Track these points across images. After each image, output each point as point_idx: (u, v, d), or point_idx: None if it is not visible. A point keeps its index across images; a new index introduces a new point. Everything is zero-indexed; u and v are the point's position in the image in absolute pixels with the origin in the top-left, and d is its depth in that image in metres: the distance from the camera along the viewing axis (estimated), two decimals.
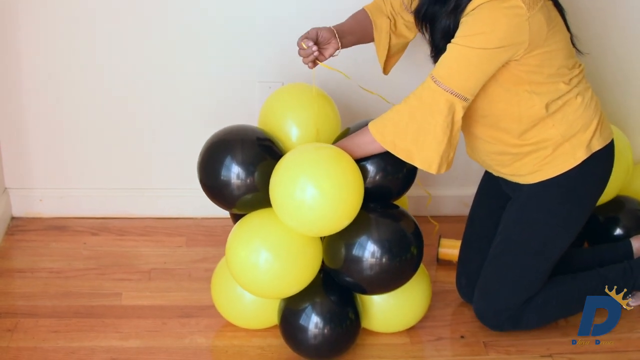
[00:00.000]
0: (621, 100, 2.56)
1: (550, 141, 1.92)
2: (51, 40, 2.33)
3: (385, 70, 2.17)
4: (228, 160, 1.89)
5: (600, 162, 1.98)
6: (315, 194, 1.79)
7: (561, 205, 1.98)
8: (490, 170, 2.10)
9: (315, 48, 1.94)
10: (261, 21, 2.36)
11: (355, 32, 2.09)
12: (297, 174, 1.81)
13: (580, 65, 1.96)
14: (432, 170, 1.84)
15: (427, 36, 1.94)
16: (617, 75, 2.52)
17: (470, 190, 2.23)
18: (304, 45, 1.94)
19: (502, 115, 1.91)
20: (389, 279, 1.92)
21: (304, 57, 1.97)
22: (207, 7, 2.32)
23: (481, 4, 1.77)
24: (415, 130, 1.82)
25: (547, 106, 1.89)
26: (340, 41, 2.00)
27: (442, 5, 1.85)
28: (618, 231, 2.38)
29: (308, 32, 1.98)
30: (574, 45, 1.95)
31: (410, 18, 2.03)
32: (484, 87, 1.86)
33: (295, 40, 2.36)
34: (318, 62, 1.99)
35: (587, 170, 1.95)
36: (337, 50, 2.00)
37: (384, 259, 1.87)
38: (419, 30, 1.98)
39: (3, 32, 2.30)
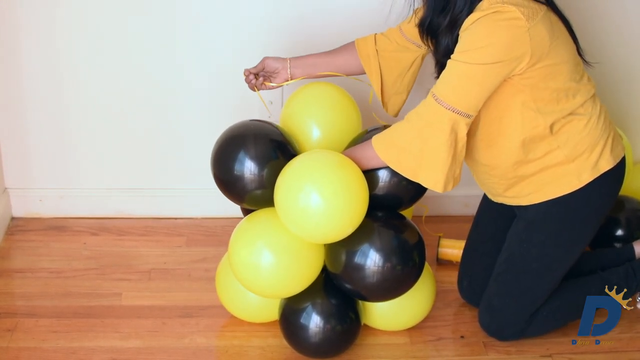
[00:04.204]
0: (621, 100, 2.56)
1: (555, 162, 1.87)
2: (51, 41, 2.33)
3: (389, 109, 2.14)
4: (241, 154, 1.89)
5: (608, 182, 1.92)
6: (319, 201, 1.77)
7: (566, 225, 1.94)
8: (491, 196, 2.05)
9: (252, 78, 2.10)
10: (262, 21, 2.36)
11: (326, 61, 2.12)
12: (302, 180, 1.80)
13: (589, 79, 1.91)
14: (439, 189, 1.81)
15: (432, 50, 1.92)
16: (617, 75, 2.52)
17: (471, 191, 2.23)
18: (244, 74, 2.11)
19: (505, 133, 1.87)
20: (389, 288, 1.91)
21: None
22: (208, 7, 2.32)
23: (479, 18, 1.73)
24: (419, 149, 1.79)
25: (551, 127, 1.84)
26: (293, 71, 2.09)
27: (444, 18, 1.81)
28: (619, 232, 2.37)
29: (260, 63, 2.12)
30: (581, 56, 1.90)
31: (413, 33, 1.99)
32: (486, 103, 1.83)
33: (295, 40, 2.38)
34: (265, 86, 2.12)
35: (593, 190, 1.89)
36: (288, 81, 2.10)
37: (384, 268, 1.86)
38: (424, 43, 1.94)
39: (4, 33, 2.30)
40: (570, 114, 1.86)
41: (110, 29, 2.33)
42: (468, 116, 1.77)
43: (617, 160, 1.92)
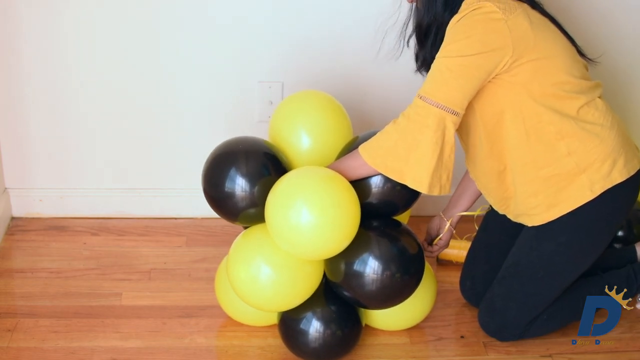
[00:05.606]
0: (622, 100, 2.56)
1: (565, 173, 1.85)
2: (52, 41, 2.33)
3: None
4: (232, 172, 1.88)
5: (621, 193, 1.88)
6: (310, 218, 1.76)
7: (577, 236, 1.91)
8: (503, 211, 2.02)
9: (430, 249, 2.20)
10: (261, 21, 2.35)
11: (463, 194, 2.18)
12: (292, 198, 1.79)
13: (594, 82, 1.89)
14: (423, 189, 1.80)
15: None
16: (618, 75, 2.52)
17: None
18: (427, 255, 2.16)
19: (508, 138, 1.86)
20: (389, 295, 1.90)
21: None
22: (208, 8, 2.32)
23: (458, 19, 1.77)
24: (404, 148, 1.79)
25: (554, 121, 1.82)
26: (448, 217, 2.18)
27: (418, 33, 1.89)
28: (619, 232, 2.37)
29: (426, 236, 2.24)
30: (583, 55, 1.90)
31: None
32: (484, 108, 1.84)
33: (295, 39, 2.38)
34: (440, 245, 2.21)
35: (605, 201, 1.86)
36: (451, 227, 2.19)
37: (384, 276, 1.85)
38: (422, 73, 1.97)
39: (4, 33, 2.30)
40: (578, 113, 1.84)
41: (110, 30, 2.33)
42: (454, 113, 1.77)
43: (632, 173, 1.89)
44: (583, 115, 1.85)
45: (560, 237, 1.92)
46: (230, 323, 2.11)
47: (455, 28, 1.77)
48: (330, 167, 1.89)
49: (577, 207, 1.87)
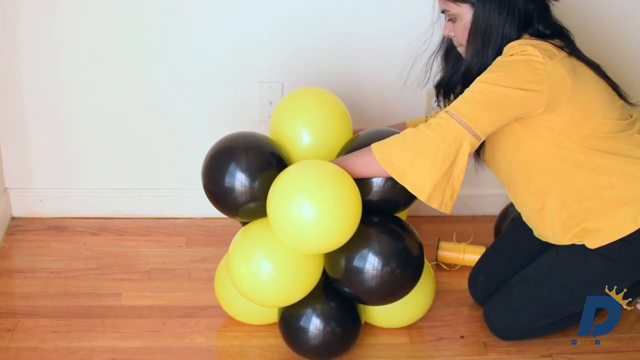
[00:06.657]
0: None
1: (607, 204, 1.86)
2: (52, 41, 2.33)
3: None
4: (232, 167, 1.89)
5: None
6: (312, 212, 1.76)
7: (623, 262, 1.91)
8: (547, 239, 2.00)
9: None
10: (261, 21, 2.36)
11: None
12: (294, 191, 1.79)
13: (632, 118, 1.92)
14: (422, 196, 1.80)
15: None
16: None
17: (470, 191, 2.22)
18: None
19: (547, 178, 1.88)
20: (388, 291, 1.91)
21: None
22: (208, 8, 2.32)
23: (501, 58, 1.82)
24: (413, 152, 1.79)
25: (593, 158, 1.84)
26: None
27: (465, 78, 1.89)
28: None
29: None
30: (621, 97, 1.92)
31: None
32: (522, 153, 1.87)
33: (295, 39, 2.38)
34: None
35: None
36: None
37: (383, 272, 1.86)
38: (442, 104, 1.99)
39: (4, 32, 2.30)
40: (617, 153, 1.85)
41: (110, 30, 2.33)
42: (475, 135, 1.78)
43: None
44: (623, 151, 1.87)
45: (606, 259, 1.91)
46: (230, 323, 2.12)
47: (498, 61, 1.82)
48: (335, 162, 1.89)
49: (621, 237, 1.87)
